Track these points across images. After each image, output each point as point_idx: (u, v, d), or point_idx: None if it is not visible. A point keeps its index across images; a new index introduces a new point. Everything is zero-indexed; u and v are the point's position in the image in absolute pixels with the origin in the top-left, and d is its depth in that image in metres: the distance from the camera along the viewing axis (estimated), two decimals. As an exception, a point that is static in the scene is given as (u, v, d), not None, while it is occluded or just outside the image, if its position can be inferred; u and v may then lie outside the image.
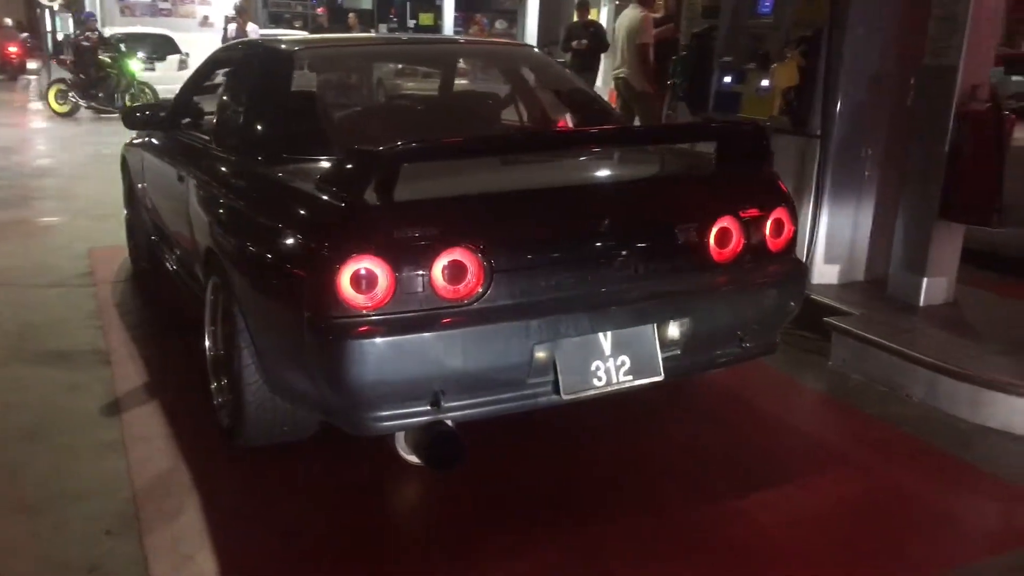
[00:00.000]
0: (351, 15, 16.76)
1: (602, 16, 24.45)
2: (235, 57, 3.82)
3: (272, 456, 3.01)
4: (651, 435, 3.28)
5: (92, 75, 14.34)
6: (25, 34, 24.41)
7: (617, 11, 27.74)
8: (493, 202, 2.58)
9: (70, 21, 28.67)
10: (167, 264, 4.52)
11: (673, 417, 3.40)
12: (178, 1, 20.56)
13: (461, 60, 3.76)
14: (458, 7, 24.03)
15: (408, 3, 22.81)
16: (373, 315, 2.35)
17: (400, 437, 2.64)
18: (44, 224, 6.80)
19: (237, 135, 3.34)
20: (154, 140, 4.53)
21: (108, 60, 14.41)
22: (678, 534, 2.63)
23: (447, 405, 2.44)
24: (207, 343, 3.30)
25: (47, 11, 27.93)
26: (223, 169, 3.25)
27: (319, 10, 16.85)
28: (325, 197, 2.51)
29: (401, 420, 2.45)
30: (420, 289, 2.38)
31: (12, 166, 9.69)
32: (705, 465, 3.06)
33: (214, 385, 3.23)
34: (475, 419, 2.52)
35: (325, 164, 2.85)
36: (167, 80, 15.61)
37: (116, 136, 12.24)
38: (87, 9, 17.73)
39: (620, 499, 2.83)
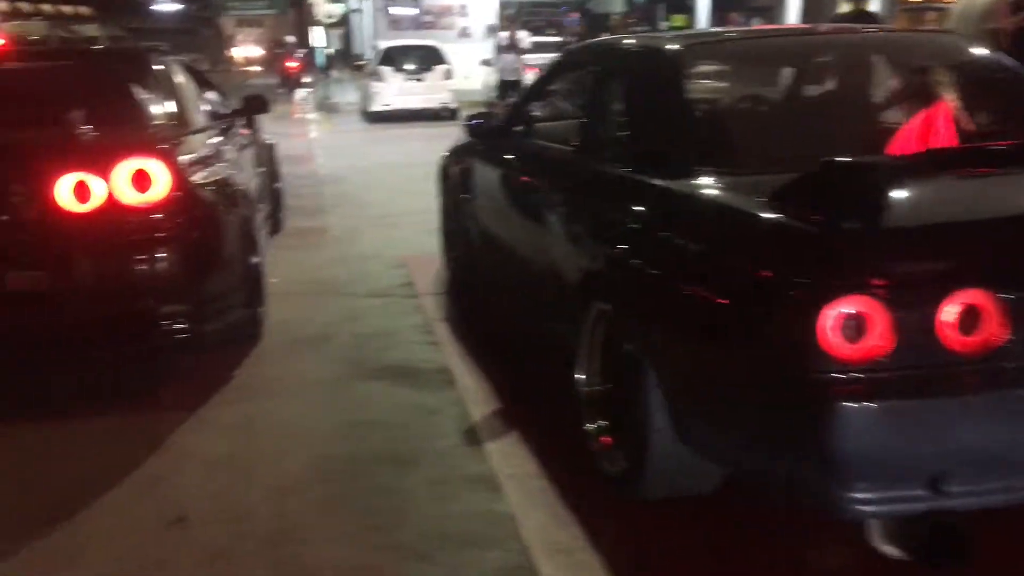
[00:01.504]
0: (613, 16, 16.49)
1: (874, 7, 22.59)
2: (598, 59, 3.49)
3: (670, 509, 2.62)
4: None
5: None
6: (303, 50, 26.42)
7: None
8: (1017, 229, 2.02)
9: (338, 37, 30.78)
10: (500, 281, 4.32)
11: None
12: (440, 14, 21.34)
13: (885, 53, 3.19)
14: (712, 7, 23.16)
15: (661, 4, 22.28)
16: (862, 371, 1.88)
17: (875, 522, 2.15)
18: (347, 231, 6.96)
19: (620, 145, 2.99)
20: (489, 150, 4.35)
21: None
22: None
23: (950, 490, 1.91)
24: (581, 376, 2.98)
25: (320, 28, 30.21)
26: (611, 184, 2.90)
27: (570, 16, 16.71)
28: (788, 220, 2.07)
29: (888, 505, 1.96)
30: (923, 339, 1.88)
31: (306, 174, 10.21)
32: None
33: (591, 426, 2.89)
34: (982, 508, 1.97)
35: (746, 179, 2.43)
36: (435, 90, 16.23)
37: (392, 144, 12.80)
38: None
39: None
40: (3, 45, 18.62)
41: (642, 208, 2.65)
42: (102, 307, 3.39)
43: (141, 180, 3.38)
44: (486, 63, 18.44)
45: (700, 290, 2.26)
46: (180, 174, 3.47)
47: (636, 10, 22.22)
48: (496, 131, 4.19)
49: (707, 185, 2.46)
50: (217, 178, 3.91)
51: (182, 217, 3.47)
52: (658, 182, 2.60)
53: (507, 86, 13.12)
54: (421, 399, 3.59)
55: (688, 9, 23.61)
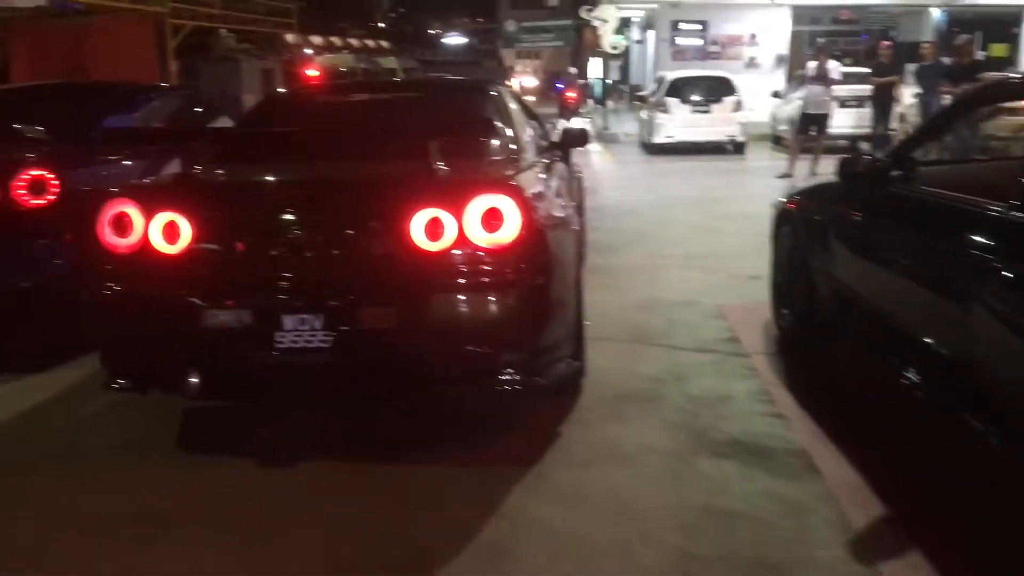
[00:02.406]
0: (924, 45, 14.89)
1: None
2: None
3: None
4: None
5: None
6: (583, 80, 26.76)
7: None
8: None
9: (615, 68, 31.04)
10: (870, 353, 3.70)
11: None
12: (727, 44, 20.67)
13: None
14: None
15: (979, 33, 20.04)
16: None
17: None
18: (650, 271, 6.56)
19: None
20: (861, 198, 3.74)
21: None
22: None
23: None
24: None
25: (598, 59, 30.55)
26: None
27: (883, 44, 15.21)
28: None
29: None
30: None
31: (595, 207, 9.91)
32: None
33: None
34: None
35: None
36: (722, 122, 15.57)
37: (679, 178, 12.32)
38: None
39: None
40: (318, 76, 20.36)
41: None
42: (444, 350, 3.22)
43: (492, 218, 3.17)
44: (776, 95, 17.49)
45: None
46: (530, 213, 3.23)
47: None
48: (872, 176, 3.58)
49: None
50: (559, 217, 3.65)
51: (529, 259, 3.22)
52: None
53: (809, 120, 12.19)
54: (783, 489, 3.06)
55: (1011, 38, 21.14)
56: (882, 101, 13.61)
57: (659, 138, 15.47)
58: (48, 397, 4.09)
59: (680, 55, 20.57)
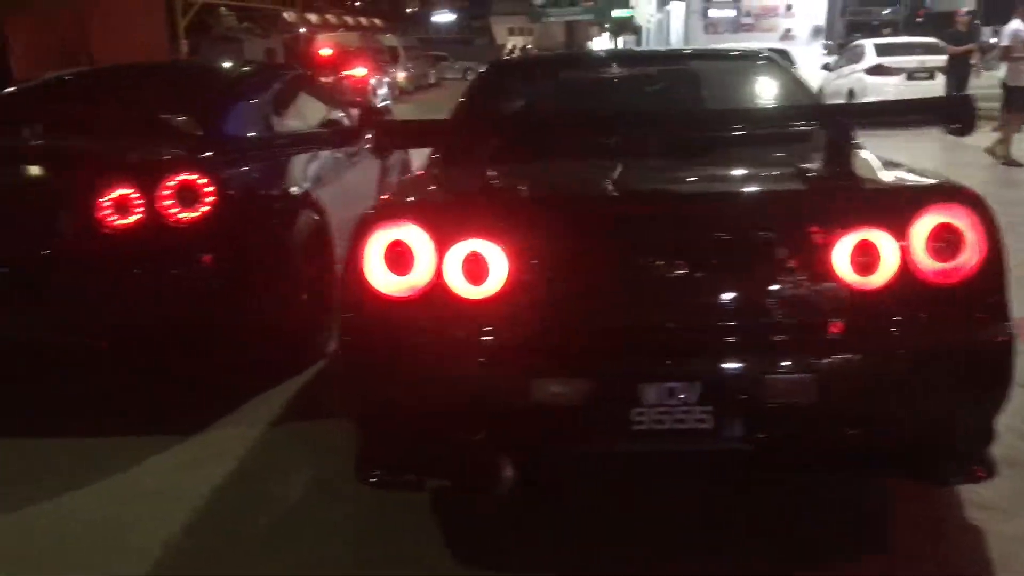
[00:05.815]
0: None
1: None
2: None
3: None
4: None
5: None
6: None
7: None
8: None
9: (627, 45, 30.02)
10: None
11: None
12: (761, 15, 19.78)
13: None
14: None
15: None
16: None
17: None
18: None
19: None
20: None
21: None
22: None
23: None
24: None
25: (604, 35, 29.51)
26: None
27: (960, 12, 14.22)
28: None
29: None
30: None
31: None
32: None
33: None
34: None
35: None
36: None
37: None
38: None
39: None
40: (332, 54, 19.06)
41: None
42: (878, 431, 2.27)
43: (943, 241, 2.23)
44: (827, 68, 16.77)
45: None
46: (994, 232, 2.28)
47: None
48: None
49: None
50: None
51: (995, 299, 2.29)
52: None
53: (1015, 92, 9.64)
54: None
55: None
56: (958, 72, 12.76)
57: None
58: (224, 476, 3.02)
59: (713, 28, 19.65)
